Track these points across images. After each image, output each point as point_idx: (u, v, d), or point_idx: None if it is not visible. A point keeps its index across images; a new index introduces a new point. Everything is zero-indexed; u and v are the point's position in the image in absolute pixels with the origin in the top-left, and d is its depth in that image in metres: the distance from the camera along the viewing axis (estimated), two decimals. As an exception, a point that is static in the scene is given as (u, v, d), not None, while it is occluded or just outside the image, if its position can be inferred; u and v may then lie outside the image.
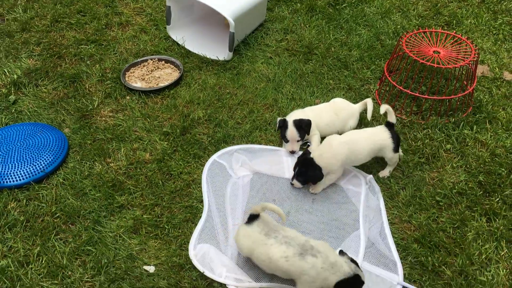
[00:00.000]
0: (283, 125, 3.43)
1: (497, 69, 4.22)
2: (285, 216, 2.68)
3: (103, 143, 3.51)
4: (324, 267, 2.47)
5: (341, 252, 2.62)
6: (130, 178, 3.27)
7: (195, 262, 2.74)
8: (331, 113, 3.59)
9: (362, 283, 2.50)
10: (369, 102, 3.57)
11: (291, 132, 3.40)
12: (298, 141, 3.44)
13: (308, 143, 3.55)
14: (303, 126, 3.41)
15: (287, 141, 3.46)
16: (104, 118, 3.73)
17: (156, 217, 3.04)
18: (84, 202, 3.11)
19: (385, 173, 3.31)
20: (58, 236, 2.92)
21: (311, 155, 3.12)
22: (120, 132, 3.59)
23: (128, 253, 2.83)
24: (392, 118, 3.24)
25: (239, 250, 2.77)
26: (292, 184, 3.22)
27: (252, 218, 2.68)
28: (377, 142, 3.18)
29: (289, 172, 3.33)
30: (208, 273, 2.69)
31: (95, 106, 3.82)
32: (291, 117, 3.46)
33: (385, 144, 3.19)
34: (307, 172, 3.12)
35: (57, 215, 3.03)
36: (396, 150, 3.20)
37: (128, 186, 3.21)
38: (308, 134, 3.49)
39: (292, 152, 3.45)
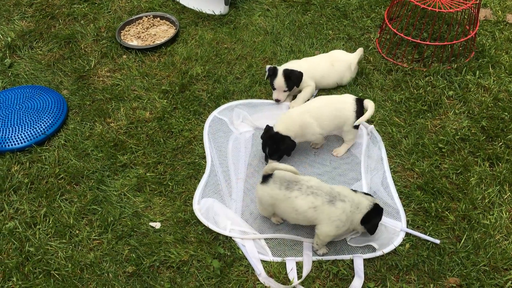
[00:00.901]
0: (273, 73, 3.38)
1: (500, 12, 4.11)
2: (297, 171, 2.60)
3: (102, 104, 3.48)
4: (352, 210, 2.55)
5: (353, 190, 2.67)
6: (131, 137, 3.27)
7: (199, 216, 2.77)
8: (327, 64, 3.52)
9: (382, 209, 2.61)
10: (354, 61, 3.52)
11: (279, 80, 3.36)
12: (285, 91, 3.40)
13: None
14: (293, 77, 3.36)
15: (274, 89, 3.42)
16: (101, 78, 3.68)
17: (160, 174, 3.05)
18: (87, 163, 3.11)
19: (340, 151, 3.18)
20: (64, 197, 2.94)
21: (276, 129, 3.00)
22: (119, 92, 3.56)
23: (134, 211, 2.86)
24: (368, 112, 3.01)
25: (260, 211, 2.77)
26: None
27: (266, 177, 2.63)
28: (341, 111, 3.04)
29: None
30: (212, 227, 2.72)
31: (92, 66, 3.77)
32: (283, 67, 3.41)
33: (347, 116, 3.04)
34: (279, 146, 3.01)
35: (61, 176, 3.04)
36: (356, 126, 3.07)
37: (130, 145, 3.20)
38: (298, 86, 3.44)
39: (277, 101, 3.42)
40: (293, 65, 3.45)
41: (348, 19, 4.15)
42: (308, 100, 3.40)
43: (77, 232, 2.77)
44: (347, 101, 3.07)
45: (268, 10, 4.28)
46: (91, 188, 2.98)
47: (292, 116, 3.04)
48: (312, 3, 4.30)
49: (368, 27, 4.07)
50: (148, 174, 3.04)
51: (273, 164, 2.58)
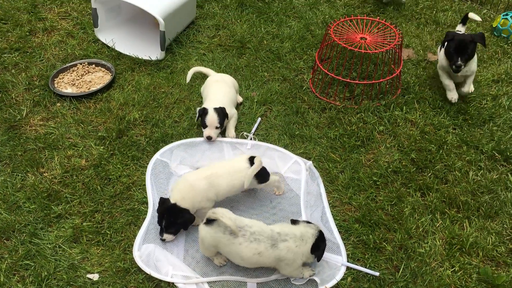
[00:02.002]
0: (203, 112, 3.43)
1: (421, 51, 4.42)
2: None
3: (34, 153, 3.37)
4: (298, 244, 2.58)
5: (293, 221, 2.74)
6: (66, 186, 3.16)
7: (140, 263, 2.69)
8: (227, 89, 3.70)
9: (324, 235, 2.69)
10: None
11: (211, 117, 3.40)
12: (217, 127, 3.44)
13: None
14: (224, 113, 3.44)
15: (205, 127, 3.44)
16: (34, 127, 3.58)
17: (97, 223, 2.95)
18: (19, 216, 2.97)
19: (279, 191, 3.20)
20: (-7, 254, 2.78)
21: (173, 201, 2.84)
22: (53, 140, 3.46)
23: (70, 263, 2.74)
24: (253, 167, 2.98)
25: (202, 251, 2.74)
26: (163, 240, 2.85)
27: (210, 219, 2.61)
28: (239, 179, 2.97)
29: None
30: (154, 274, 2.65)
31: (24, 115, 3.65)
32: (210, 106, 3.45)
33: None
34: (176, 220, 2.82)
35: (-10, 231, 2.88)
36: (262, 181, 3.04)
37: (65, 195, 3.10)
38: (228, 118, 3.53)
39: (209, 138, 3.44)
40: (214, 103, 3.50)
41: (282, 61, 4.30)
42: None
43: (8, 290, 2.61)
44: (242, 166, 2.99)
45: (204, 54, 4.37)
46: (23, 242, 2.83)
47: (187, 182, 2.90)
48: (247, 47, 4.44)
49: (301, 68, 4.24)
50: (85, 224, 2.94)
51: (217, 212, 2.56)
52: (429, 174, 3.29)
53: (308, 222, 2.72)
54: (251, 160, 3.01)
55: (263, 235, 2.57)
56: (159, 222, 2.87)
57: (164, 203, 2.87)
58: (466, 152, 3.44)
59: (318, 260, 2.66)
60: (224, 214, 2.54)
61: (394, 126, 3.66)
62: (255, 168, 2.96)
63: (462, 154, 3.43)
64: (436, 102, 3.84)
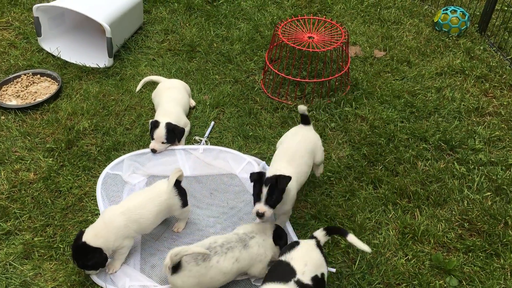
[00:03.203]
0: (154, 125, 3.39)
1: (368, 48, 4.53)
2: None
3: (-21, 170, 3.24)
4: (264, 238, 2.64)
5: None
6: (14, 201, 3.05)
7: (95, 278, 2.63)
8: (186, 95, 3.76)
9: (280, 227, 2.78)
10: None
11: (160, 132, 3.36)
12: (163, 142, 3.40)
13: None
14: (176, 132, 3.41)
15: (152, 139, 3.41)
16: (-23, 143, 3.44)
17: (49, 238, 2.86)
18: (-36, 235, 2.85)
19: (180, 226, 2.97)
20: None
21: (84, 238, 2.55)
22: (-2, 155, 3.34)
23: (22, 280, 2.64)
24: (181, 177, 2.88)
25: None
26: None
27: (175, 266, 2.44)
28: (164, 202, 2.78)
29: (185, 170, 3.31)
30: (110, 287, 2.59)
31: (-34, 131, 3.51)
32: (162, 119, 3.41)
33: (172, 203, 2.83)
34: (84, 261, 2.55)
35: None
36: (185, 204, 2.88)
37: (14, 211, 2.99)
38: (179, 141, 3.49)
39: (153, 151, 3.40)
40: (167, 114, 3.46)
41: (233, 64, 4.31)
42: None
43: (-45, 314, 2.49)
44: (163, 190, 2.80)
45: (154, 59, 4.32)
46: (-30, 262, 2.71)
47: (104, 219, 2.64)
48: (197, 51, 4.42)
49: (252, 69, 4.26)
50: (36, 239, 2.84)
51: (176, 251, 2.37)
52: (380, 167, 3.38)
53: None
54: (175, 182, 2.83)
55: (232, 241, 2.57)
56: (73, 257, 2.60)
57: (77, 238, 2.58)
58: (414, 144, 3.55)
59: (281, 249, 2.67)
60: (184, 249, 2.39)
61: (345, 122, 3.73)
62: (176, 172, 2.80)
63: (411, 146, 3.53)
64: (384, 97, 3.94)
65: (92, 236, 2.57)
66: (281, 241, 2.69)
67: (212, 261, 2.48)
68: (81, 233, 2.60)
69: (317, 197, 3.16)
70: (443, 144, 3.54)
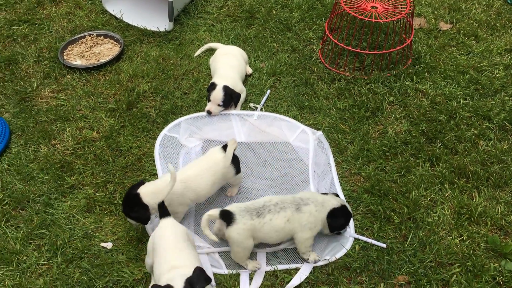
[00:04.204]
0: (211, 87, 3.42)
1: (433, 20, 4.34)
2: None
3: (46, 125, 3.40)
4: (318, 209, 2.64)
5: (324, 194, 2.79)
6: (78, 157, 3.21)
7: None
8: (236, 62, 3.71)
9: (350, 213, 2.73)
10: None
11: (217, 94, 3.38)
12: (219, 105, 3.42)
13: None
14: (233, 96, 3.43)
15: (209, 101, 3.44)
16: (45, 100, 3.61)
17: (109, 194, 3.01)
18: (33, 186, 3.03)
19: (233, 191, 3.04)
20: (9, 223, 2.85)
21: (139, 190, 2.62)
22: (64, 112, 3.49)
23: (84, 232, 2.80)
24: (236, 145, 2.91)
25: (236, 258, 2.64)
26: None
27: (228, 216, 2.54)
28: (219, 171, 2.83)
29: (240, 136, 3.36)
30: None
31: (34, 87, 3.68)
32: (220, 81, 3.44)
33: (227, 171, 2.88)
34: (128, 211, 2.63)
35: (5, 201, 2.95)
36: (238, 171, 2.94)
37: (78, 166, 3.15)
38: (236, 105, 3.51)
39: (209, 113, 3.42)
40: (224, 78, 3.48)
41: (291, 32, 4.26)
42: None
43: (25, 258, 2.68)
44: (219, 159, 2.85)
45: (212, 25, 4.33)
46: (38, 212, 2.89)
47: (164, 182, 2.62)
48: (256, 17, 4.39)
49: (310, 38, 4.19)
50: (98, 194, 2.99)
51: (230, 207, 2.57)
52: (439, 145, 3.29)
53: (336, 195, 2.80)
54: (225, 148, 2.89)
55: (286, 201, 2.64)
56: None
57: (131, 188, 2.66)
58: (476, 123, 3.41)
59: (331, 230, 2.70)
60: (235, 205, 2.59)
61: (405, 97, 3.63)
62: (232, 145, 2.85)
63: (473, 124, 3.41)
64: (448, 72, 3.79)
65: (147, 191, 2.62)
66: (332, 219, 2.67)
67: (266, 218, 2.57)
68: (140, 184, 2.67)
69: (371, 171, 3.12)
70: (508, 124, 3.39)
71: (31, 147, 3.27)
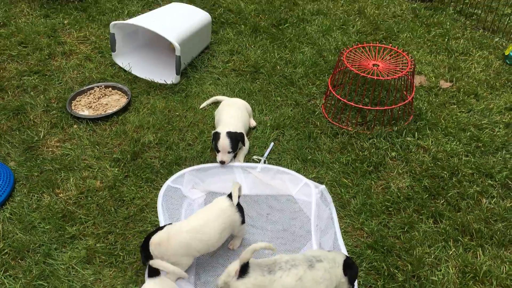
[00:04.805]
0: (216, 136, 3.47)
1: (433, 78, 4.45)
2: (275, 247, 2.54)
3: (51, 174, 3.43)
4: (331, 265, 2.56)
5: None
6: (81, 207, 3.21)
7: None
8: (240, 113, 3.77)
9: (356, 264, 2.68)
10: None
11: (223, 142, 3.43)
12: (229, 152, 3.46)
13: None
14: (237, 137, 3.48)
15: (218, 151, 3.47)
16: (51, 149, 3.65)
17: (110, 245, 2.98)
18: (33, 236, 3.01)
19: (236, 244, 3.02)
20: (7, 273, 2.81)
21: (151, 239, 2.70)
22: (69, 162, 3.52)
23: (82, 284, 2.76)
24: (240, 192, 2.95)
25: None
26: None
27: (244, 268, 2.46)
28: (227, 219, 2.83)
29: (243, 188, 3.36)
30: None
31: (41, 137, 3.73)
32: (224, 128, 3.51)
33: (234, 219, 2.87)
34: (142, 253, 2.73)
35: (5, 251, 2.92)
36: (243, 221, 2.92)
37: (79, 216, 3.14)
38: (244, 144, 3.58)
39: (222, 163, 3.45)
40: (227, 127, 3.54)
41: (295, 87, 4.36)
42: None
43: (21, 310, 2.63)
44: (226, 206, 2.85)
45: (218, 79, 4.44)
46: (37, 262, 2.86)
47: (169, 233, 2.71)
48: (261, 72, 4.51)
49: (313, 93, 4.29)
50: (98, 245, 2.96)
51: (251, 247, 2.41)
52: (442, 201, 3.28)
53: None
54: (231, 197, 2.88)
55: (297, 259, 2.55)
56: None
57: (151, 234, 2.73)
58: (479, 180, 3.43)
59: (350, 281, 2.60)
60: (253, 247, 2.42)
61: (407, 152, 3.67)
62: (236, 186, 2.86)
63: (475, 181, 3.42)
64: (449, 129, 3.84)
65: (155, 242, 2.68)
66: (351, 269, 2.59)
67: (277, 274, 2.48)
68: (154, 233, 2.73)
69: (374, 226, 3.11)
70: (510, 182, 3.40)
71: (34, 196, 3.27)
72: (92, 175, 3.44)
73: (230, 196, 2.89)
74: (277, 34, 5.04)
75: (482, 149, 3.68)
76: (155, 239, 2.68)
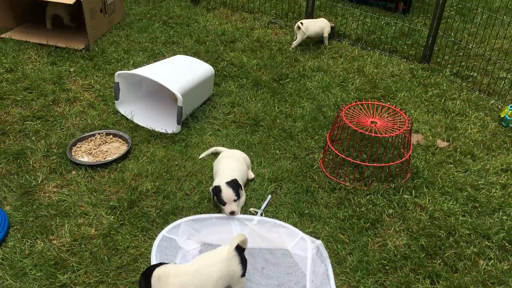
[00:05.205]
0: (217, 190, 3.47)
1: (430, 137, 4.51)
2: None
3: (46, 220, 3.41)
4: None
5: None
6: (74, 255, 3.17)
7: None
8: (238, 164, 3.80)
9: None
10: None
11: (227, 193, 3.44)
12: (234, 200, 3.47)
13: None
14: (237, 184, 3.50)
15: (224, 204, 3.48)
16: (48, 194, 3.64)
17: (101, 295, 2.93)
18: (24, 283, 2.96)
19: None
20: (-7, 321, 2.74)
21: (155, 271, 2.74)
22: (65, 208, 3.51)
23: (70, 336, 2.68)
24: (245, 244, 2.92)
25: None
26: None
27: None
28: (225, 269, 2.79)
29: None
30: None
31: (39, 182, 3.74)
32: (221, 181, 3.52)
33: (234, 270, 2.82)
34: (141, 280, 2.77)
35: (-7, 298, 2.87)
36: (244, 274, 2.87)
37: (72, 264, 3.10)
38: (242, 189, 3.60)
39: (233, 213, 3.46)
40: (225, 178, 3.56)
41: (293, 140, 4.41)
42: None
43: None
44: (225, 255, 2.82)
45: (219, 130, 4.51)
46: (25, 310, 2.80)
47: (170, 272, 2.73)
48: (260, 125, 4.58)
49: (312, 148, 4.33)
50: (89, 295, 2.91)
51: None
52: (439, 261, 3.25)
53: None
54: (239, 248, 2.85)
55: None
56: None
57: (149, 269, 2.76)
58: (476, 241, 3.41)
59: None
60: None
61: (404, 210, 3.67)
62: (239, 236, 2.85)
63: (472, 242, 3.40)
64: (446, 188, 3.86)
65: (156, 280, 2.71)
66: None
67: None
68: (153, 266, 2.78)
69: (371, 285, 3.06)
70: (507, 244, 3.38)
71: (27, 241, 3.24)
72: (87, 222, 3.42)
73: (237, 247, 2.85)
74: (278, 88, 5.16)
75: (479, 209, 3.69)
76: (158, 272, 2.72)
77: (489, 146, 4.40)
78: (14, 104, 4.65)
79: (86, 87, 4.99)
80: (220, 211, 3.55)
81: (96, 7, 5.80)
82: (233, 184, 3.48)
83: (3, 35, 5.82)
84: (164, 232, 3.35)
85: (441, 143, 4.43)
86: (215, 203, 3.56)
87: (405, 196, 3.78)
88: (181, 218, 3.46)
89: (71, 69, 5.26)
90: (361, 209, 3.65)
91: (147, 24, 6.44)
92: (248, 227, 3.45)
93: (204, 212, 3.55)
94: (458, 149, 4.34)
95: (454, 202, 3.74)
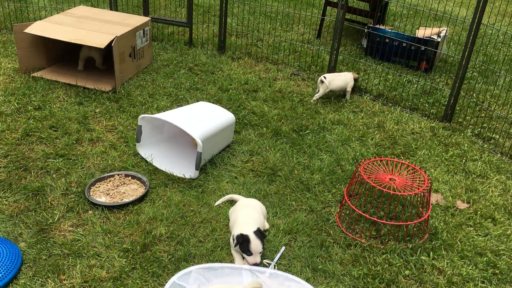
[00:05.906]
0: (244, 239, 3.44)
1: (450, 198, 4.44)
2: None
3: (58, 259, 3.40)
4: None
5: None
6: (83, 297, 3.14)
7: None
8: (256, 214, 3.77)
9: None
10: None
11: (256, 244, 3.42)
12: (260, 252, 3.44)
13: None
14: (263, 235, 3.48)
15: (250, 254, 3.44)
16: (63, 233, 3.66)
17: None
18: (30, 323, 2.93)
19: None
20: None
21: None
22: (78, 248, 3.51)
23: None
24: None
25: None
26: None
27: None
28: None
29: (248, 295, 3.27)
30: None
31: (55, 220, 3.77)
32: (249, 230, 3.49)
33: None
34: None
35: (-1, 336, 2.83)
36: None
37: (80, 306, 3.07)
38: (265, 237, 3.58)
39: (255, 265, 3.42)
40: (248, 227, 3.52)
41: (310, 192, 4.39)
42: None
43: None
44: None
45: (236, 177, 4.52)
46: None
47: None
48: (278, 175, 4.58)
49: (329, 201, 4.30)
50: None
51: None
52: (456, 329, 3.13)
53: None
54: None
55: None
56: None
57: None
58: (496, 309, 3.29)
59: None
60: None
61: (421, 272, 3.57)
62: (254, 284, 2.80)
63: (492, 310, 3.27)
64: (465, 252, 3.76)
65: None
66: None
67: None
68: None
69: None
70: (529, 315, 3.25)
71: (38, 280, 3.23)
72: (99, 263, 3.41)
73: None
74: (297, 139, 5.19)
75: (499, 276, 3.56)
76: None
77: (511, 211, 4.30)
78: (39, 141, 4.76)
79: (110, 128, 5.10)
80: (232, 260, 3.51)
81: (125, 52, 6.00)
82: (260, 235, 3.47)
83: (35, 74, 6.04)
84: (174, 278, 3.30)
85: (461, 205, 4.35)
86: (238, 251, 3.52)
87: (423, 257, 3.69)
88: (193, 265, 3.43)
89: (97, 110, 5.40)
90: (377, 268, 3.56)
91: (173, 70, 6.62)
92: (259, 279, 3.39)
93: (217, 261, 3.51)
94: (479, 212, 4.25)
95: (474, 267, 3.62)
